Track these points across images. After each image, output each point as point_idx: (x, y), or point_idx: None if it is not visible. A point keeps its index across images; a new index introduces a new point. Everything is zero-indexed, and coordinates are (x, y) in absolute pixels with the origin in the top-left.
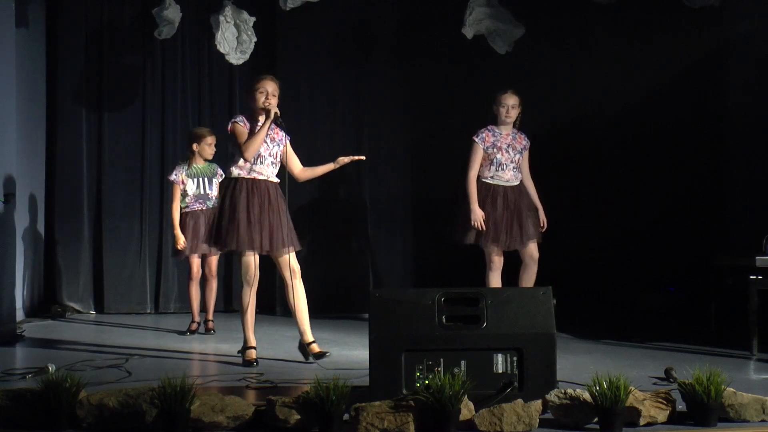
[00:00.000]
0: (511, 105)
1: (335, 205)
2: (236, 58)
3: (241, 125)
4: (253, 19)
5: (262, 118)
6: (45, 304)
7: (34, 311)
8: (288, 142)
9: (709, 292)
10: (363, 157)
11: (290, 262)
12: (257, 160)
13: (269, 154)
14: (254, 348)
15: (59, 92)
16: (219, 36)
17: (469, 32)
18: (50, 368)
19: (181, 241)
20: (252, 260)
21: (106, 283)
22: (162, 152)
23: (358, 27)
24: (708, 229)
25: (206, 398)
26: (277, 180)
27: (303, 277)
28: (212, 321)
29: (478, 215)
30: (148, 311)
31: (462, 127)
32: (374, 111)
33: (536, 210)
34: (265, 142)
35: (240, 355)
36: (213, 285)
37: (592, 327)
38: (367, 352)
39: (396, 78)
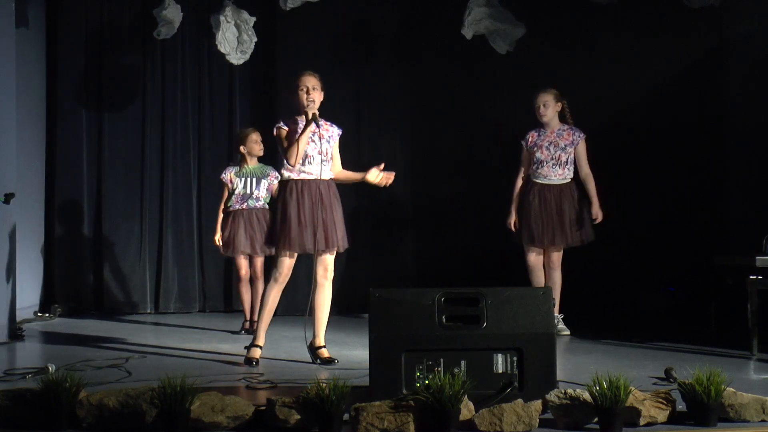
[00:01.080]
0: (542, 103)
1: None
2: (237, 58)
3: (284, 129)
4: (254, 19)
5: (303, 119)
6: (45, 304)
7: (34, 311)
8: (338, 138)
9: (709, 292)
10: (393, 173)
11: (327, 261)
12: (305, 160)
13: (318, 152)
14: (259, 347)
15: (59, 92)
16: (219, 36)
17: (468, 33)
18: (50, 368)
19: (216, 238)
20: (287, 260)
21: (106, 283)
22: (162, 152)
23: (358, 27)
24: (708, 229)
25: (206, 398)
26: (329, 177)
27: (305, 277)
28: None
29: (509, 218)
30: (148, 311)
31: (462, 128)
32: (374, 111)
33: (577, 212)
34: (313, 141)
35: (246, 350)
36: (259, 286)
37: (592, 327)
38: (367, 352)
39: (396, 78)
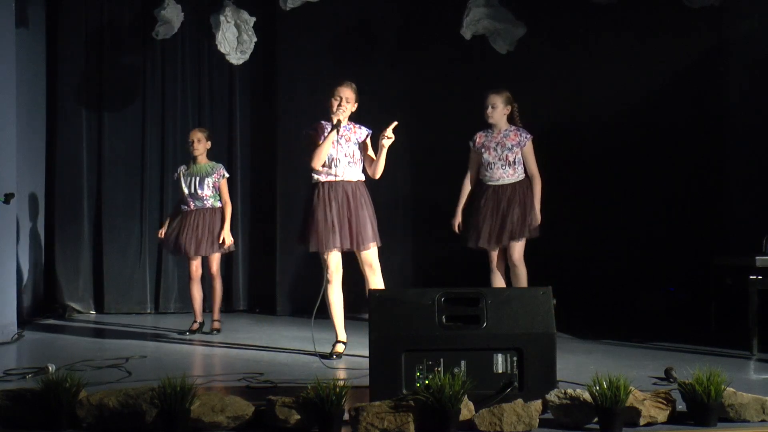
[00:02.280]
0: (490, 105)
1: None
2: (236, 58)
3: (312, 133)
4: (254, 19)
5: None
6: (45, 304)
7: (34, 311)
8: (368, 139)
9: (709, 292)
10: (395, 123)
11: (370, 259)
12: (332, 163)
13: (344, 155)
14: (341, 342)
15: (59, 92)
16: (220, 36)
17: (466, 33)
18: (50, 368)
19: (161, 231)
20: (330, 259)
21: (106, 283)
22: (162, 152)
23: (358, 27)
24: (708, 229)
25: (206, 398)
26: (357, 179)
27: (306, 276)
28: (218, 321)
29: (454, 219)
30: (148, 311)
31: (462, 128)
32: (374, 111)
33: (525, 207)
34: (339, 144)
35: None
36: (216, 284)
37: (592, 327)
38: (367, 352)
39: (396, 78)
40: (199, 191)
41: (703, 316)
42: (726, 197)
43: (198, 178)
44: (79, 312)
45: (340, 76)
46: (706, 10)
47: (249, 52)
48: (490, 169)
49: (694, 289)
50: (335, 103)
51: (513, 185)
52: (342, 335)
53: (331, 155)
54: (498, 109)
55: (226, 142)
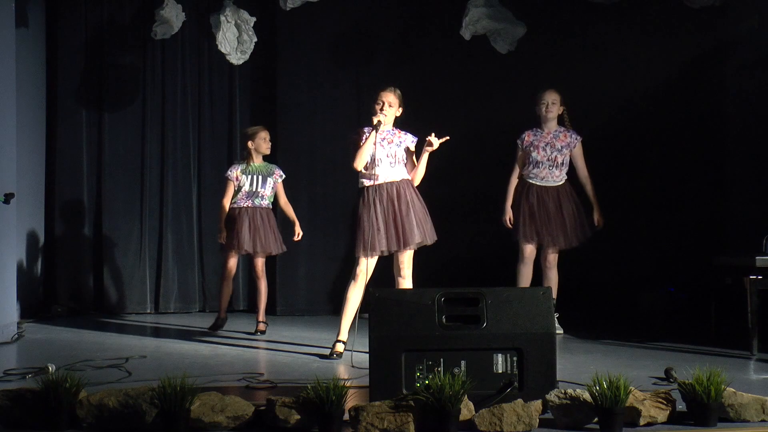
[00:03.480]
0: (550, 101)
1: (335, 205)
2: (237, 58)
3: (355, 137)
4: (254, 19)
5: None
6: (45, 304)
7: (34, 311)
8: (412, 144)
9: (709, 292)
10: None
11: (407, 260)
12: (373, 164)
13: (386, 155)
14: (341, 341)
15: (59, 92)
16: (220, 36)
17: (466, 33)
18: (50, 368)
19: (223, 235)
20: (363, 261)
21: (106, 283)
22: (162, 152)
23: (358, 27)
24: (708, 229)
25: (206, 398)
26: (401, 178)
27: (305, 277)
28: (263, 322)
29: (505, 216)
30: (148, 311)
31: (463, 127)
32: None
33: (575, 215)
34: (382, 146)
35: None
36: (261, 285)
37: (592, 327)
38: (367, 352)
39: (396, 78)
40: (261, 189)
41: (703, 316)
42: (726, 197)
43: (261, 177)
44: (79, 312)
45: (340, 76)
46: (706, 10)
47: (249, 52)
48: (537, 168)
49: (694, 289)
50: (377, 107)
51: (556, 188)
52: (344, 335)
53: (372, 156)
54: (556, 107)
55: (226, 142)
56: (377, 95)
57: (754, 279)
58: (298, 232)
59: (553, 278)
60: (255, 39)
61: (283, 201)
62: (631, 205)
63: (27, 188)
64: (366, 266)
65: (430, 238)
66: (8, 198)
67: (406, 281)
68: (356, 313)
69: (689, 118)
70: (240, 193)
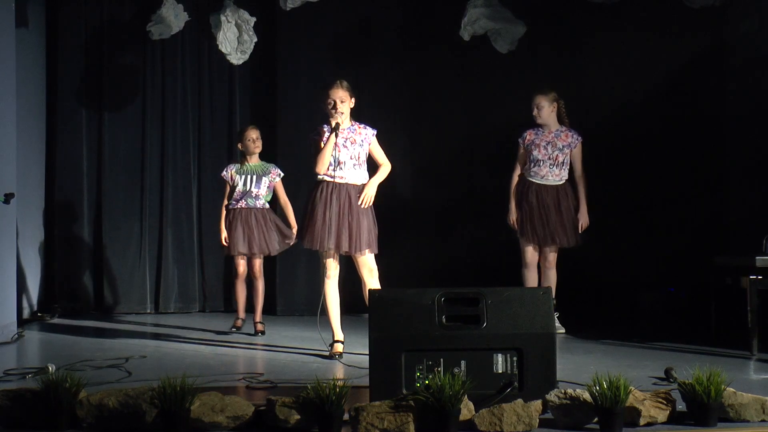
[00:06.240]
0: (535, 106)
1: None
2: (237, 58)
3: (316, 138)
4: (254, 19)
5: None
6: (45, 304)
7: (34, 311)
8: (374, 138)
9: (709, 292)
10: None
11: (368, 263)
12: (337, 166)
13: (350, 158)
14: (339, 342)
15: (59, 92)
16: (221, 36)
17: (465, 34)
18: (50, 368)
19: (222, 237)
20: (327, 258)
21: (106, 283)
22: (162, 152)
23: (358, 27)
24: (708, 229)
25: (206, 398)
26: (362, 182)
27: (305, 277)
28: (261, 323)
29: (510, 214)
30: (148, 311)
31: (463, 127)
32: (374, 111)
33: (573, 213)
34: (345, 147)
35: (329, 349)
36: (258, 286)
37: (592, 327)
38: (367, 352)
39: (396, 78)
40: (255, 189)
41: (703, 316)
42: (726, 197)
43: (255, 176)
44: (79, 312)
45: (339, 76)
46: (706, 10)
47: (249, 52)
48: (537, 166)
49: (694, 289)
50: (329, 108)
51: (556, 188)
52: (339, 334)
53: (335, 158)
54: (544, 110)
55: (226, 142)
56: (325, 94)
57: (754, 279)
58: (293, 237)
59: (552, 278)
60: (255, 39)
61: (283, 200)
62: (631, 205)
63: (27, 188)
64: (329, 259)
65: (374, 249)
66: (8, 198)
67: (373, 279)
68: (321, 304)
69: (689, 118)
70: (235, 193)
